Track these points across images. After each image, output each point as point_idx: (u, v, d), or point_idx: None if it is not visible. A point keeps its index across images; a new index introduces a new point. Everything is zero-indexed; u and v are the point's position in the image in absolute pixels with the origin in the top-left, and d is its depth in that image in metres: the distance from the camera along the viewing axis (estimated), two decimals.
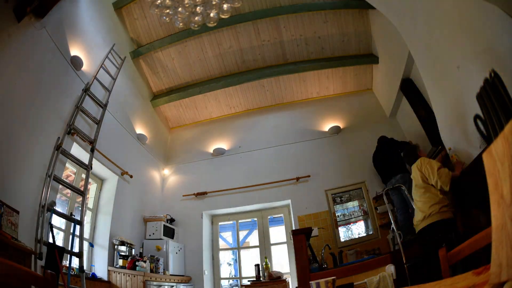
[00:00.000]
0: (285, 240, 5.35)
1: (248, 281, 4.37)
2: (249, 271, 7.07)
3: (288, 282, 4.25)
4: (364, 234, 4.73)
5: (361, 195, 4.91)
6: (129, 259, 3.87)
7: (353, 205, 4.93)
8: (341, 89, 5.77)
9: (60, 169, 3.25)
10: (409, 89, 4.29)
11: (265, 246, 5.29)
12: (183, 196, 5.49)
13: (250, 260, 7.78)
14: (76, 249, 3.15)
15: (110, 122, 4.33)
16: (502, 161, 0.52)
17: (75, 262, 3.14)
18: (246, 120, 6.01)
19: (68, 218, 3.19)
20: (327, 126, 5.51)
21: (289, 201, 5.16)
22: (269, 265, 4.45)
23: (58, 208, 3.06)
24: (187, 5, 2.97)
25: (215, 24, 3.10)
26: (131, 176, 4.51)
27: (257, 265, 4.40)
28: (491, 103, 1.96)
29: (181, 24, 3.10)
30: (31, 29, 3.06)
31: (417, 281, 2.41)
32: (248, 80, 5.53)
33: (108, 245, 3.78)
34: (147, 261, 3.93)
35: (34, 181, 2.84)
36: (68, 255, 3.02)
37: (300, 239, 3.29)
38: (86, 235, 3.78)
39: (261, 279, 4.30)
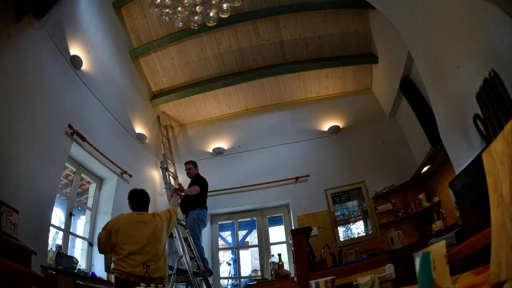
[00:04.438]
0: (284, 239, 5.36)
1: (255, 279, 4.35)
2: (248, 271, 7.08)
3: (295, 281, 4.25)
4: (364, 234, 4.74)
5: (360, 194, 4.92)
6: None
7: (352, 204, 4.94)
8: (340, 89, 5.77)
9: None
10: (409, 89, 4.29)
11: (264, 245, 5.29)
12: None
13: (249, 259, 7.80)
14: (75, 248, 3.15)
15: (109, 121, 4.32)
16: (501, 160, 0.52)
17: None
18: (246, 120, 6.00)
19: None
20: (326, 125, 5.51)
21: (288, 201, 5.17)
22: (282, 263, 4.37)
23: (57, 207, 3.05)
24: (187, 5, 2.96)
25: (214, 23, 3.10)
26: (130, 176, 4.50)
27: (272, 263, 4.33)
28: (490, 103, 1.96)
29: (180, 23, 3.10)
30: (30, 28, 3.05)
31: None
32: (248, 79, 5.53)
33: None
34: None
35: (33, 180, 2.84)
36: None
37: (299, 238, 3.29)
38: (86, 234, 3.78)
39: (267, 278, 4.28)
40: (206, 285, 3.86)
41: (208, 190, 5.37)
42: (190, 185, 4.35)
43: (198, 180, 4.41)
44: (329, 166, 5.19)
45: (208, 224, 5.52)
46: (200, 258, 3.78)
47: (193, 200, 4.17)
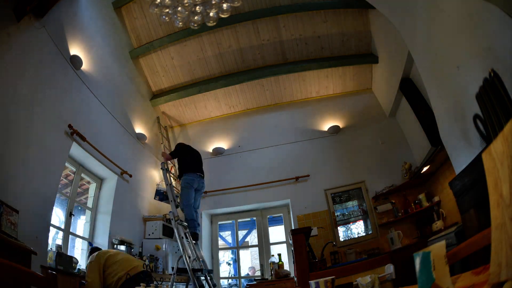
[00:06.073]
0: (284, 239, 5.36)
1: (255, 279, 4.34)
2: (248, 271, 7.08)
3: (295, 281, 4.25)
4: (364, 234, 4.74)
5: (360, 194, 4.92)
6: None
7: (352, 204, 4.94)
8: (340, 89, 5.77)
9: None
10: (409, 89, 4.29)
11: (264, 245, 5.29)
12: None
13: (249, 259, 7.80)
14: (75, 248, 3.15)
15: (109, 121, 4.32)
16: (501, 161, 0.52)
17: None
18: (246, 120, 6.01)
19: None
20: (326, 125, 5.51)
21: (288, 201, 5.17)
22: (282, 263, 4.35)
23: (57, 207, 3.06)
24: (187, 5, 2.96)
25: (214, 23, 3.09)
26: (130, 176, 4.51)
27: (272, 263, 4.32)
28: (490, 103, 1.96)
29: (180, 23, 3.09)
30: (30, 28, 3.05)
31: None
32: (248, 79, 5.53)
33: (108, 245, 3.78)
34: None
35: (33, 180, 2.84)
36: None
37: (299, 238, 3.29)
38: (86, 234, 3.78)
39: (267, 278, 4.27)
40: (207, 285, 3.86)
41: (208, 190, 5.41)
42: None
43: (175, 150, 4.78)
44: (329, 166, 5.19)
45: (208, 224, 5.53)
46: (187, 220, 4.09)
47: (180, 168, 4.57)
